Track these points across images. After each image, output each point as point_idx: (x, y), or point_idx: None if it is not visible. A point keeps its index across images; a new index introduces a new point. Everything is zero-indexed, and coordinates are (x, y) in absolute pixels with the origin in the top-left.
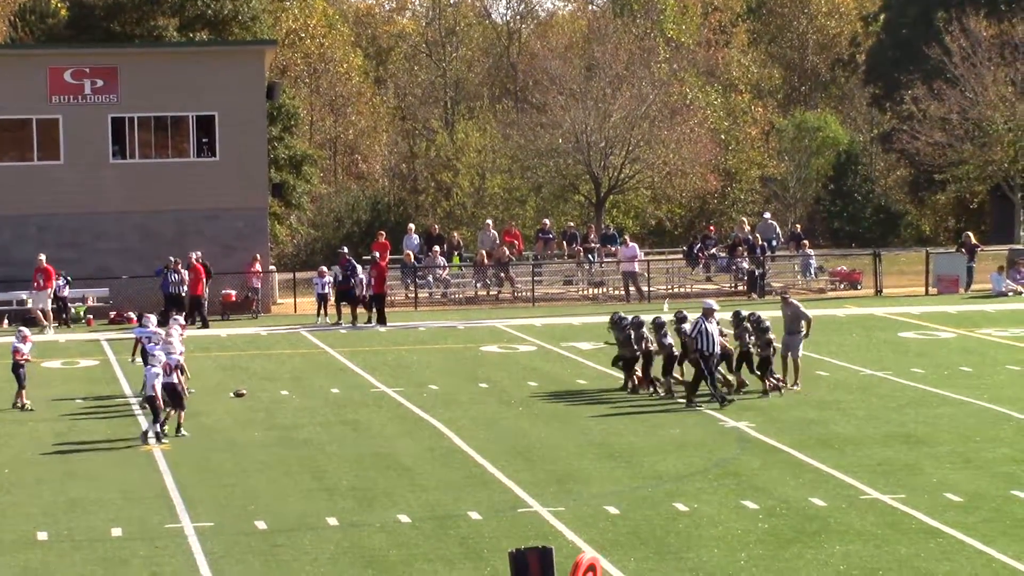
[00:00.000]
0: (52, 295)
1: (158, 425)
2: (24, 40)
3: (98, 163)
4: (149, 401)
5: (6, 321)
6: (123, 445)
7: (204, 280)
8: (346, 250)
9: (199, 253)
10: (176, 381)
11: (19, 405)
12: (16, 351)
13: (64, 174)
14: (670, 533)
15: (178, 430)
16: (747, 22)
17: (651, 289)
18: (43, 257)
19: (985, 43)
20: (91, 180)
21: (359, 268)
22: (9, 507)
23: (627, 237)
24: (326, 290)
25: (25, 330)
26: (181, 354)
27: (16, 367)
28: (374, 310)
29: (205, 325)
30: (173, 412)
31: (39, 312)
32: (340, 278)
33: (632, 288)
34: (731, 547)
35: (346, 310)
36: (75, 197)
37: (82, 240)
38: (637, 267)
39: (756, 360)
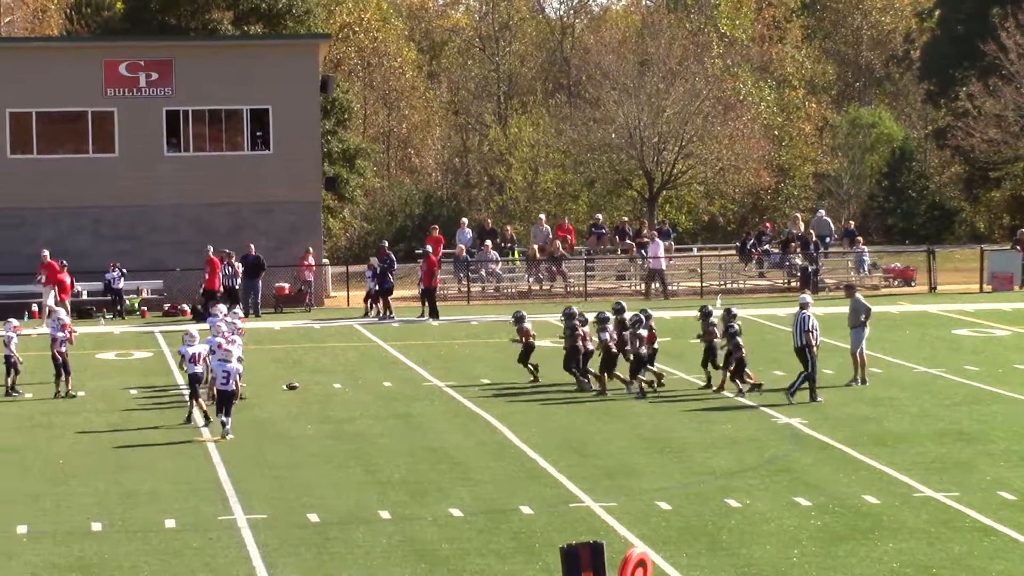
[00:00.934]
0: (66, 289)
1: (223, 417)
2: (80, 33)
3: (153, 156)
4: (219, 394)
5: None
6: (178, 437)
7: (219, 274)
8: (386, 244)
9: (212, 247)
10: (200, 371)
11: (62, 393)
12: (54, 340)
13: (119, 167)
14: (722, 529)
15: (199, 418)
16: (801, 17)
17: (704, 285)
18: (47, 253)
19: None
20: (145, 173)
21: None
22: (64, 498)
23: (654, 232)
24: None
25: (14, 321)
26: (236, 343)
27: (54, 356)
28: (426, 304)
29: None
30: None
31: (49, 306)
32: (378, 271)
33: (656, 285)
34: (783, 544)
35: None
36: (129, 190)
37: (136, 232)
38: (664, 264)
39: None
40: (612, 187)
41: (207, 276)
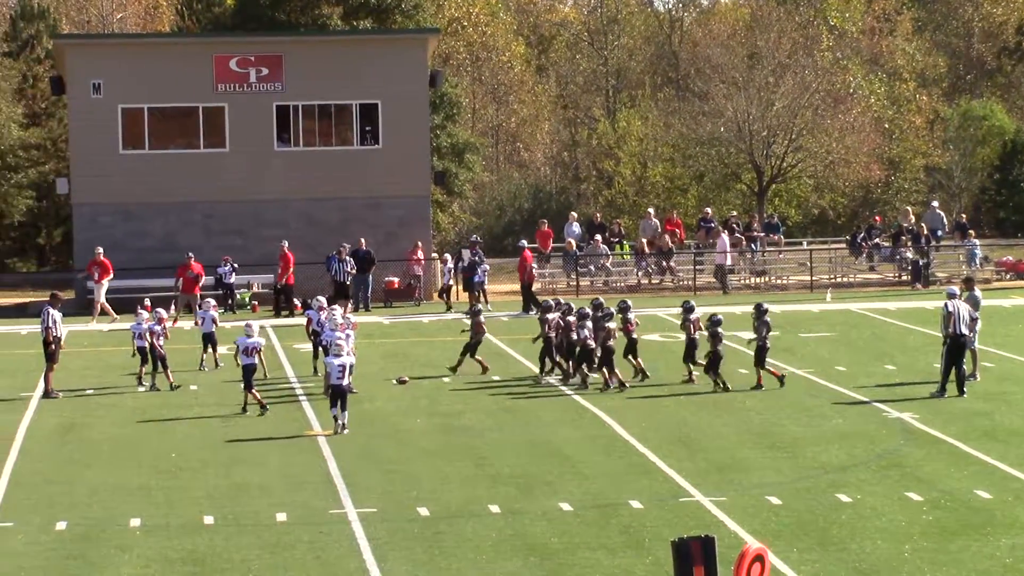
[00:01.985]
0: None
1: (338, 411)
2: (190, 29)
3: (263, 151)
4: (332, 389)
5: (173, 307)
6: (288, 431)
7: (292, 269)
8: (477, 237)
9: (287, 242)
10: (256, 362)
11: (158, 386)
12: (151, 332)
13: (229, 162)
14: (833, 524)
15: (261, 408)
16: (911, 10)
17: (814, 279)
18: (100, 250)
19: None
20: (256, 167)
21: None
22: (176, 491)
23: (719, 227)
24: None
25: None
26: (349, 338)
27: (151, 349)
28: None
29: (290, 313)
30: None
31: (103, 304)
32: (467, 264)
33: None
34: (895, 539)
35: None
36: (240, 184)
37: (247, 227)
38: (729, 260)
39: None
40: (721, 181)
41: (280, 271)
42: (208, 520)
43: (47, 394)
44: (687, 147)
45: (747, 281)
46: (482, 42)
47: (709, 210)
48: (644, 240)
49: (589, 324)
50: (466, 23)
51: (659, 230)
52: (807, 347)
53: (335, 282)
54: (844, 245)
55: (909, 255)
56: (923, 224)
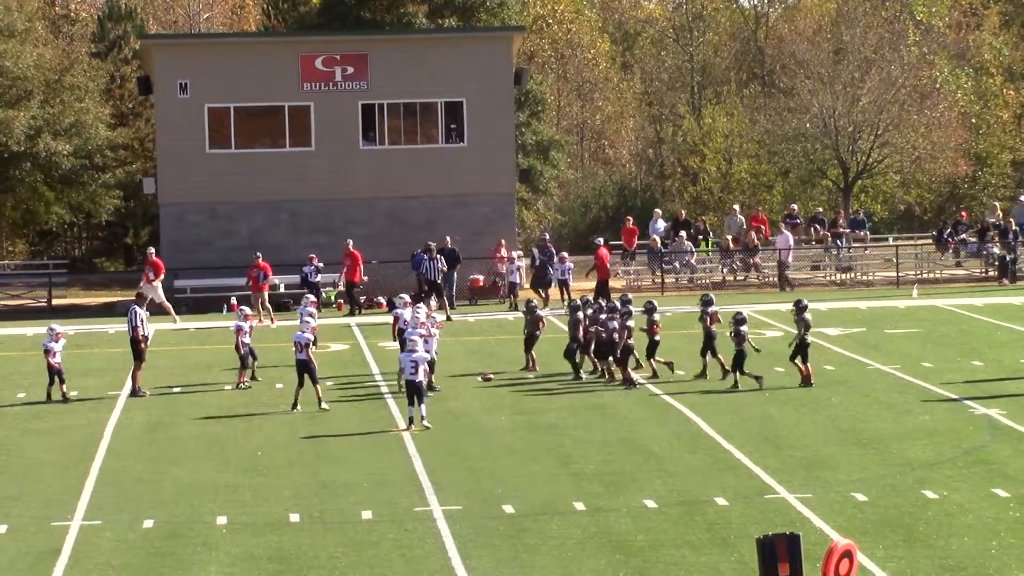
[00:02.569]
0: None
1: (415, 407)
2: (276, 28)
3: (348, 149)
4: (409, 386)
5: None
6: (373, 428)
7: (360, 267)
8: (548, 236)
9: (351, 240)
10: (306, 358)
11: (243, 385)
12: (239, 330)
13: (315, 160)
14: (919, 521)
15: (318, 404)
16: (999, 3)
17: (900, 275)
18: (152, 250)
19: None
20: (341, 166)
21: (555, 255)
22: (262, 489)
23: (782, 225)
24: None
25: (57, 328)
26: (431, 334)
27: (238, 347)
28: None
29: (359, 311)
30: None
31: (166, 304)
32: (538, 263)
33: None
34: (982, 536)
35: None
36: (325, 183)
37: (332, 225)
38: (791, 257)
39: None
40: (807, 177)
41: (346, 268)
42: (294, 518)
43: (134, 392)
44: (772, 143)
45: (833, 277)
46: (567, 39)
47: (795, 206)
48: (729, 237)
49: (618, 318)
50: (551, 20)
51: (744, 227)
52: (893, 343)
53: (426, 280)
54: (930, 241)
55: (996, 251)
56: (1011, 219)
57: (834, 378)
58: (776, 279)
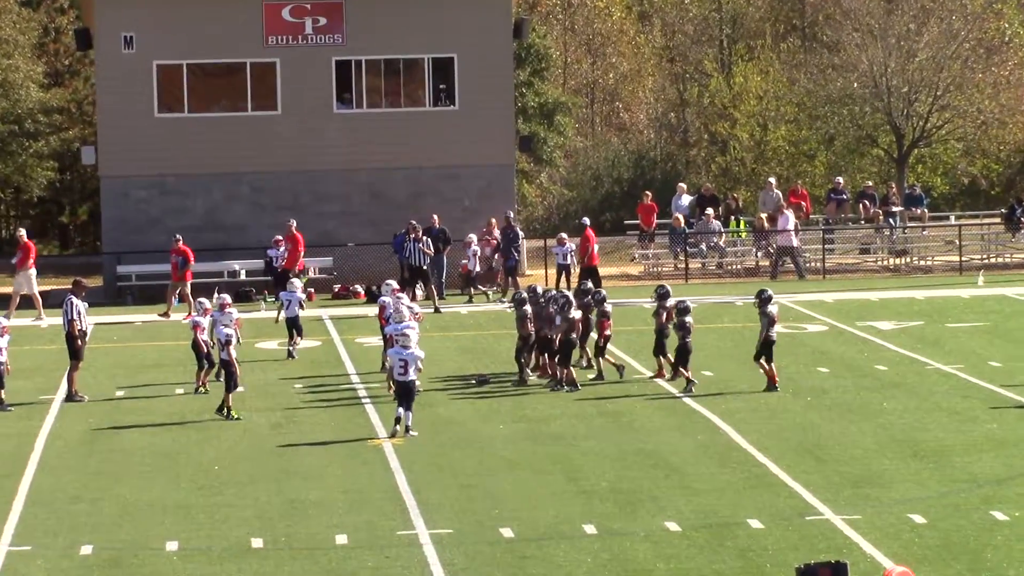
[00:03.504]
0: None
1: (402, 411)
2: None
3: (320, 113)
4: (399, 387)
5: (215, 295)
6: (350, 439)
7: (301, 253)
8: (511, 214)
9: (295, 221)
10: (228, 358)
11: (202, 390)
12: (196, 326)
13: (281, 126)
14: (987, 546)
15: (223, 410)
16: None
17: (963, 260)
18: (23, 232)
19: None
20: (312, 133)
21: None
22: (220, 510)
23: (783, 205)
24: (568, 260)
25: (3, 320)
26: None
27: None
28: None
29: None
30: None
31: (37, 296)
32: (502, 247)
33: (789, 264)
34: None
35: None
36: (294, 152)
37: (301, 202)
38: (796, 240)
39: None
40: (854, 145)
41: (287, 254)
42: (256, 543)
43: (71, 397)
44: (814, 106)
45: (885, 262)
46: None
47: (840, 180)
48: (764, 215)
49: (574, 312)
50: None
51: (781, 203)
52: (956, 339)
53: (408, 266)
54: (998, 220)
55: None
56: None
57: (887, 380)
58: (794, 266)
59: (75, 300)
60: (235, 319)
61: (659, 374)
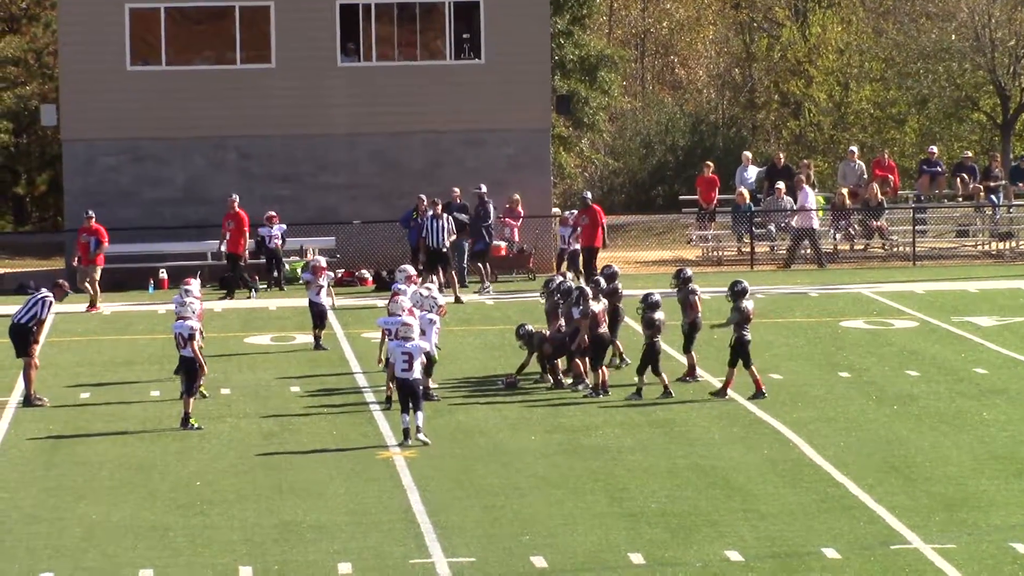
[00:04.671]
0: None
1: (407, 417)
2: None
3: (322, 67)
4: (401, 387)
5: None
6: (355, 448)
7: (246, 234)
8: (484, 187)
9: (237, 196)
10: (191, 355)
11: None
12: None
13: (276, 81)
14: None
15: (185, 422)
16: None
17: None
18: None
19: None
20: (312, 90)
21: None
22: (203, 532)
23: (803, 177)
24: (572, 243)
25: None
26: (433, 324)
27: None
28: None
29: (234, 291)
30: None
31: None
32: (470, 227)
33: (808, 250)
34: None
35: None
36: (290, 113)
37: (300, 172)
38: (816, 221)
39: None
40: (952, 108)
41: (229, 236)
42: (245, 572)
43: (29, 400)
44: (904, 62)
45: (986, 247)
46: None
47: (934, 149)
48: (845, 190)
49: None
50: None
51: (865, 176)
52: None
53: (426, 248)
54: None
55: None
56: None
57: (987, 386)
58: (900, 249)
59: (52, 302)
60: (198, 310)
61: (689, 373)
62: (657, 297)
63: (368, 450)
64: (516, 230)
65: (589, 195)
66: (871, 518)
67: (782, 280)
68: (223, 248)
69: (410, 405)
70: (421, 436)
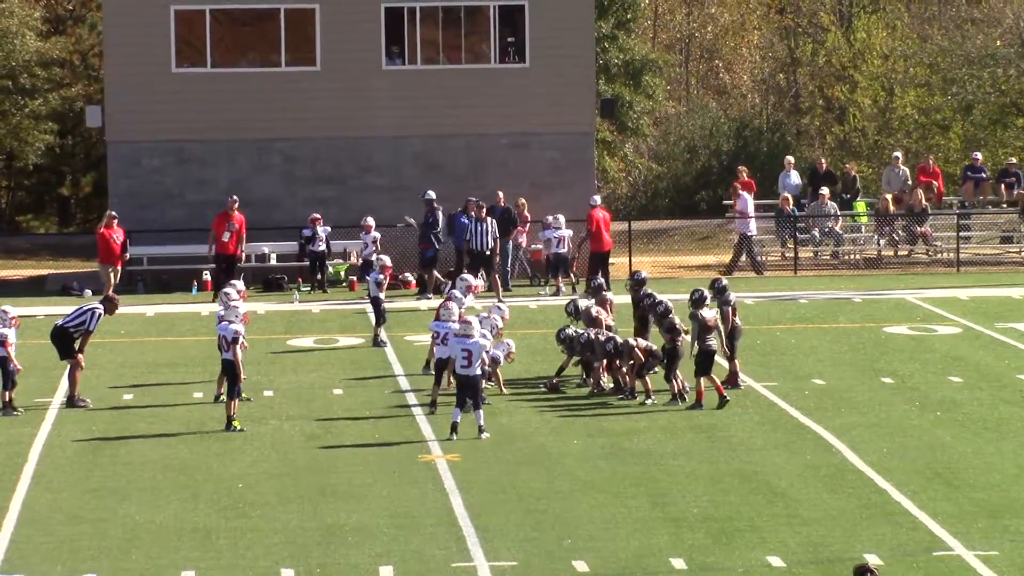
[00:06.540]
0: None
1: (459, 414)
2: None
3: (366, 69)
4: (460, 381)
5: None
6: (397, 453)
7: (244, 236)
8: (432, 194)
9: (235, 197)
10: (233, 358)
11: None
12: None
13: (320, 84)
14: None
15: (229, 424)
16: None
17: None
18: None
19: None
20: (357, 93)
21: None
22: (245, 535)
23: (738, 184)
24: (563, 248)
25: (10, 310)
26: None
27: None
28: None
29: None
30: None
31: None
32: (420, 234)
33: (744, 257)
34: None
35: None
36: (335, 116)
37: (343, 173)
38: (753, 228)
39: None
40: (997, 114)
41: (230, 237)
42: (287, 574)
43: (73, 401)
44: (949, 68)
45: None
46: None
47: (978, 155)
48: (889, 196)
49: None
50: None
51: (909, 182)
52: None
53: (470, 251)
54: None
55: None
56: None
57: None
58: (940, 255)
59: (101, 313)
60: (243, 314)
61: (731, 380)
62: (703, 292)
63: (410, 453)
64: (524, 235)
65: (598, 199)
66: (913, 524)
67: (826, 286)
68: (213, 251)
69: (467, 401)
70: (484, 434)
